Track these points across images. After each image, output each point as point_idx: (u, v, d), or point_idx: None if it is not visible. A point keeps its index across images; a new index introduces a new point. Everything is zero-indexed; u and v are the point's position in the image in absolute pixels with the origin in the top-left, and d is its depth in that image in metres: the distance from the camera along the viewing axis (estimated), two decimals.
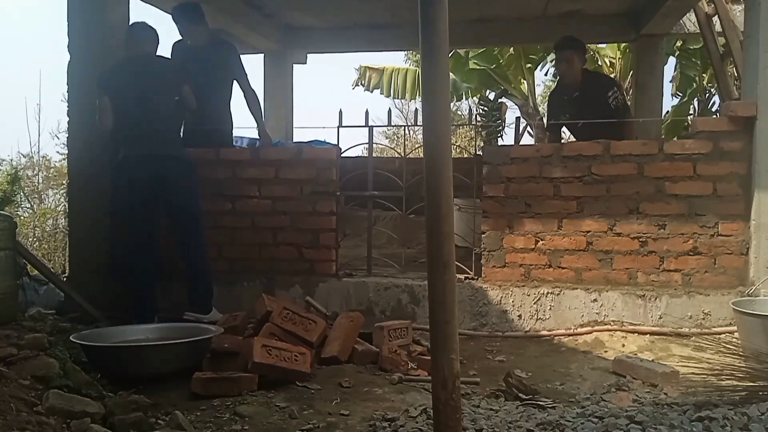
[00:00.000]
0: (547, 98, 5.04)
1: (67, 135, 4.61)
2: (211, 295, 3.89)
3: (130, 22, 4.39)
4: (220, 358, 2.87)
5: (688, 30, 6.13)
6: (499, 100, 10.84)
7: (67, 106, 4.37)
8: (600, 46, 9.30)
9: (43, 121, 16.59)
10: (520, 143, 4.69)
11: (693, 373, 2.52)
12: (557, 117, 4.78)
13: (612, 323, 3.73)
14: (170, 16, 4.60)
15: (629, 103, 5.78)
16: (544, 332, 3.80)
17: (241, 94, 4.66)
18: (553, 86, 5.11)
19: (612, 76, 8.85)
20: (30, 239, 9.13)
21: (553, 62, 4.95)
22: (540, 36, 6.70)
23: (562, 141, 5.14)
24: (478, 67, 9.78)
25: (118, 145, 3.89)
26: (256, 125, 4.66)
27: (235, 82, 4.66)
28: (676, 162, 3.76)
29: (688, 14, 5.67)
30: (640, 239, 3.80)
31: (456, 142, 12.30)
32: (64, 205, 9.07)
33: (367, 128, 4.33)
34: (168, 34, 4.09)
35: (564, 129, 5.10)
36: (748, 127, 3.67)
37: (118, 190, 3.87)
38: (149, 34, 3.99)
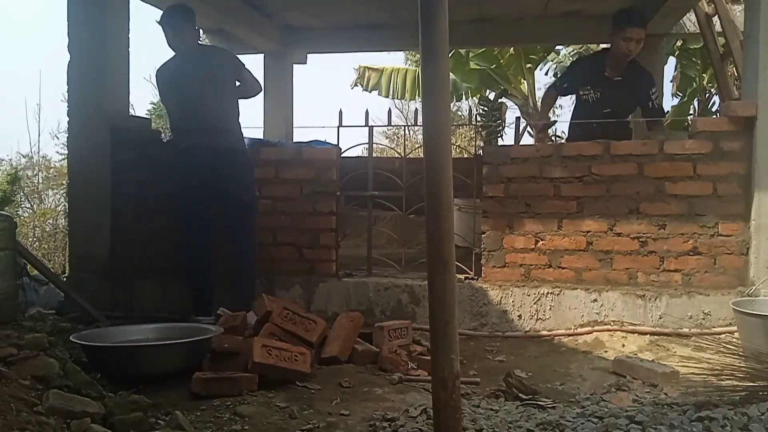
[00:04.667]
0: (572, 62, 4.45)
1: (67, 135, 4.62)
2: (253, 295, 3.69)
3: (130, 24, 4.39)
4: (220, 358, 2.86)
5: (688, 30, 6.12)
6: (499, 100, 10.84)
7: (67, 106, 4.38)
8: (602, 45, 9.29)
9: (43, 121, 16.68)
10: (520, 143, 4.67)
11: (693, 373, 2.51)
12: (578, 84, 4.39)
13: (612, 323, 3.73)
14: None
15: None
16: (544, 332, 3.80)
17: None
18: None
19: None
20: (30, 239, 9.14)
21: (613, 36, 4.23)
22: (540, 36, 6.71)
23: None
24: (478, 67, 9.80)
25: (178, 137, 3.96)
26: None
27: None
28: (676, 162, 3.76)
29: (688, 14, 5.66)
30: (640, 239, 3.80)
31: (456, 142, 12.29)
32: (64, 205, 9.08)
33: (367, 128, 4.33)
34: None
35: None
36: (748, 127, 3.67)
37: (178, 182, 3.89)
38: (190, 21, 3.94)
